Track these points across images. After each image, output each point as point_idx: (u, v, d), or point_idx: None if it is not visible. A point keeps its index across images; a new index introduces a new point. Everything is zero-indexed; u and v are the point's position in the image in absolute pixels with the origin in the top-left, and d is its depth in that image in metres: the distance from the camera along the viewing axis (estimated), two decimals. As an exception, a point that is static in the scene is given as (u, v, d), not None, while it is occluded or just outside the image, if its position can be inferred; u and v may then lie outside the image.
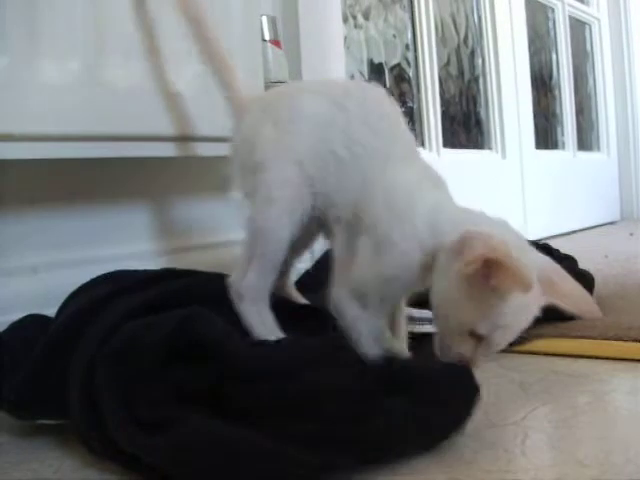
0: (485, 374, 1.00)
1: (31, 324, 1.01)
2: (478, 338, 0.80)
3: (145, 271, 1.07)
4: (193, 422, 0.74)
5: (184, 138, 1.28)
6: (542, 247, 1.43)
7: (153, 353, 0.80)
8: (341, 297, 0.88)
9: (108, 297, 0.94)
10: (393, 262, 0.83)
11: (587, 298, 0.89)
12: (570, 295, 0.84)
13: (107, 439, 0.77)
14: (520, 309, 0.79)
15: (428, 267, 0.82)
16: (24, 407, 0.90)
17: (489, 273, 0.74)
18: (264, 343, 0.90)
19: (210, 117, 1.30)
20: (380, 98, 0.95)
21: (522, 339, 0.91)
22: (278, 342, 0.90)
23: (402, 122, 0.96)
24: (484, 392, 0.81)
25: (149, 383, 0.79)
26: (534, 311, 0.82)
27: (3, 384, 0.91)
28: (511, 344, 0.84)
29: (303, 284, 1.46)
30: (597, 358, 1.09)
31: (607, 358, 1.09)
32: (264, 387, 0.77)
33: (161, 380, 0.79)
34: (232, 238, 1.49)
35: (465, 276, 0.76)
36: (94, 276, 1.05)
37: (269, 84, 1.44)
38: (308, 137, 0.93)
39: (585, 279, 1.36)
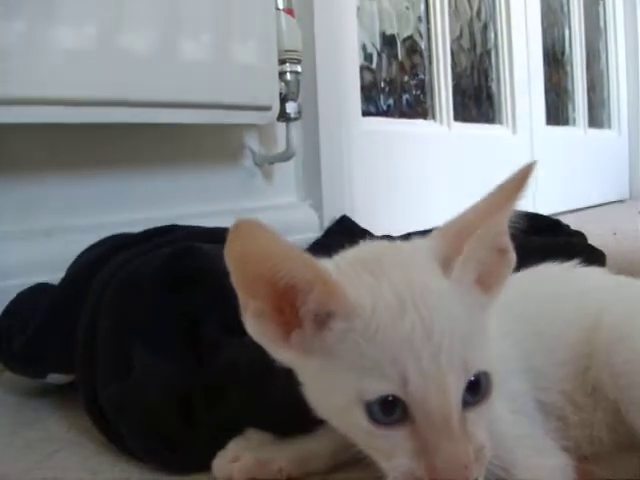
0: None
1: (38, 292, 1.02)
2: None
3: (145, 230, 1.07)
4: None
5: (199, 105, 1.28)
6: (553, 222, 1.44)
7: (150, 286, 0.81)
8: None
9: (110, 252, 0.94)
10: None
11: None
12: None
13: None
14: None
15: None
16: (35, 361, 0.91)
17: None
18: None
19: (227, 85, 1.30)
20: None
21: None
22: None
23: None
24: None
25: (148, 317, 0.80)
26: None
27: (14, 343, 0.92)
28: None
29: (312, 253, 1.47)
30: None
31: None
32: None
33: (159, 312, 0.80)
34: (244, 206, 1.50)
35: None
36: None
37: (282, 53, 1.44)
38: None
39: (595, 255, 1.36)
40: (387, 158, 2.01)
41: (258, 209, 1.53)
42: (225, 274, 0.79)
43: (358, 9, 2.00)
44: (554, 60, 3.28)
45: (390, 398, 0.48)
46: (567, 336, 0.66)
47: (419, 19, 2.36)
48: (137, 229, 1.06)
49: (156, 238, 0.96)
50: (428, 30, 2.38)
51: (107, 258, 0.90)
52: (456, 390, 0.48)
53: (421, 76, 2.36)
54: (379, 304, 0.49)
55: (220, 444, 0.69)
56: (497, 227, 0.51)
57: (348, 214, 1.68)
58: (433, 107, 2.38)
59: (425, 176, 2.16)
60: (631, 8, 3.79)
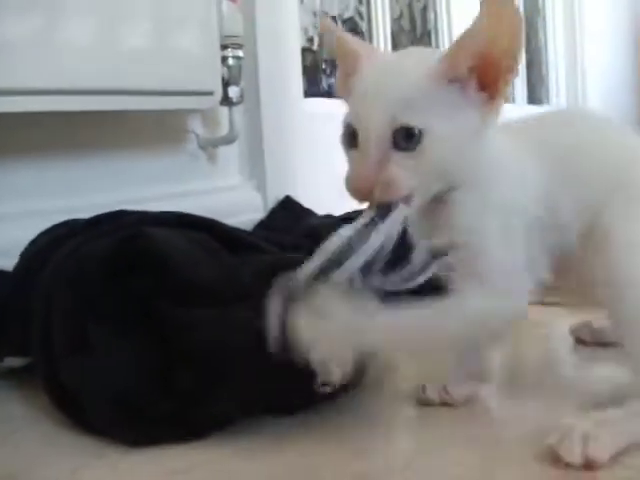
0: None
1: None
2: None
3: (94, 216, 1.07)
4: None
5: (141, 92, 1.30)
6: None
7: (99, 271, 0.84)
8: None
9: (61, 239, 0.96)
10: None
11: None
12: None
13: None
14: None
15: None
16: None
17: None
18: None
19: (169, 71, 1.33)
20: None
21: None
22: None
23: None
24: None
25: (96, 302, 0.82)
26: None
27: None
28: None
29: (257, 232, 1.50)
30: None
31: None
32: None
33: (106, 297, 0.82)
34: (189, 188, 1.53)
35: None
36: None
37: (224, 38, 1.47)
38: None
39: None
40: (330, 138, 2.01)
41: (203, 191, 1.56)
42: (175, 257, 0.83)
43: (299, -8, 2.02)
44: (493, 39, 3.33)
45: (351, 128, 0.73)
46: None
47: (359, 0, 2.40)
48: (79, 215, 1.07)
49: (105, 224, 0.99)
50: (368, 11, 2.42)
51: (58, 245, 0.93)
52: (376, 126, 0.70)
53: (362, 57, 2.39)
54: (368, 72, 0.74)
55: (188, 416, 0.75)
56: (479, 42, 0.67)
57: (291, 195, 1.72)
58: (374, 87, 2.41)
59: (368, 155, 2.19)
60: (568, -14, 3.87)
